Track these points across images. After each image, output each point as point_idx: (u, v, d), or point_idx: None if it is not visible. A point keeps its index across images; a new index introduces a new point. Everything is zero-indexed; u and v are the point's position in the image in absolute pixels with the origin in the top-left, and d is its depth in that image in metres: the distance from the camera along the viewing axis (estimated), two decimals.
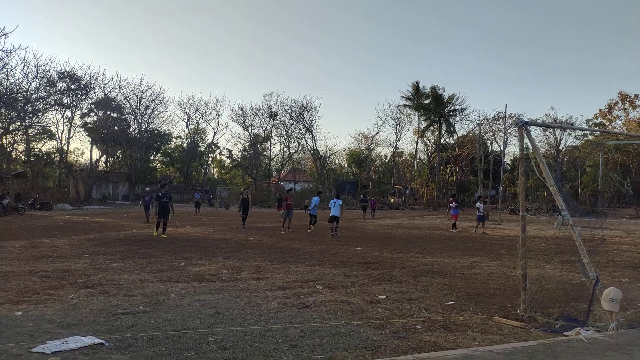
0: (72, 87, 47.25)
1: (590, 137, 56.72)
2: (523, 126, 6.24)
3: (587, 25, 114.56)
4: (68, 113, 48.53)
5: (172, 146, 61.40)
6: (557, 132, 59.26)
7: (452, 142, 58.79)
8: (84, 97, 49.32)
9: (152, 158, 59.51)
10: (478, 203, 21.68)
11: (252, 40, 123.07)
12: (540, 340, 4.65)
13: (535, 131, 54.79)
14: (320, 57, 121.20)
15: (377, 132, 61.33)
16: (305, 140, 57.26)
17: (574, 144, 60.94)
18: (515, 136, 41.96)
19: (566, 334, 5.15)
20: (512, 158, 59.85)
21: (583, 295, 7.19)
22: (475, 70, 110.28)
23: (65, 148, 48.84)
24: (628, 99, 57.46)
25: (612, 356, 4.07)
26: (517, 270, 9.09)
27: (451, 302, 6.77)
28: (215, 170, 72.41)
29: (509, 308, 6.46)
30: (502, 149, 45.19)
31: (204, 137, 61.44)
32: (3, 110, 41.00)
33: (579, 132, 57.86)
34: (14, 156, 45.10)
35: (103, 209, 38.05)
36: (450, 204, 22.45)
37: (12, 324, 5.23)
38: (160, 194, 16.30)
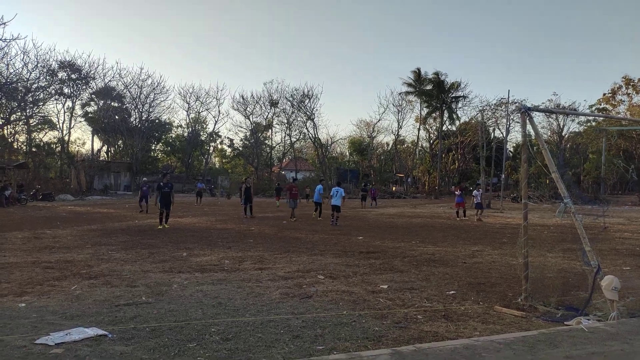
0: (73, 76, 47.14)
1: (594, 123, 56.43)
2: (525, 112, 6.19)
3: (591, 8, 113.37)
4: (69, 103, 48.55)
5: (173, 135, 61.47)
6: (560, 118, 59.00)
7: (454, 129, 58.64)
8: (84, 86, 49.23)
9: (153, 148, 59.59)
10: (475, 191, 22.31)
11: (252, 26, 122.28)
12: (541, 330, 4.66)
13: (538, 117, 54.66)
14: (321, 42, 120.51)
15: (379, 120, 61.76)
16: (306, 128, 57.27)
17: (577, 130, 60.70)
18: (518, 122, 41.72)
19: (567, 323, 5.17)
20: (514, 145, 59.68)
21: (584, 284, 7.20)
22: (477, 55, 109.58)
23: (66, 138, 48.91)
24: (632, 83, 57.04)
25: (612, 345, 4.08)
26: (518, 258, 9.11)
27: (452, 292, 6.79)
28: (216, 159, 72.51)
29: (510, 297, 6.48)
30: (504, 135, 45.02)
31: (204, 126, 61.49)
32: (4, 101, 40.97)
33: (582, 118, 57.55)
34: (15, 147, 45.17)
35: (105, 199, 38.19)
36: (455, 192, 23.09)
37: (16, 316, 5.28)
38: (161, 183, 16.03)
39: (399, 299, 6.29)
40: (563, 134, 60.66)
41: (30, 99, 42.99)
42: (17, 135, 46.10)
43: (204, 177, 54.86)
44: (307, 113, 56.10)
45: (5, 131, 43.67)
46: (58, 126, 48.56)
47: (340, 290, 6.73)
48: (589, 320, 5.18)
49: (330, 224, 16.87)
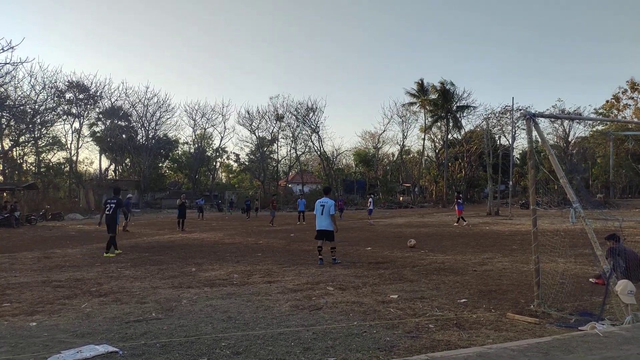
0: (80, 96, 47.74)
1: (600, 127, 56.15)
2: (531, 118, 6.20)
3: (593, 11, 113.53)
4: (76, 123, 49.03)
5: (180, 152, 61.86)
6: (566, 123, 58.80)
7: (459, 137, 58.57)
8: (92, 106, 49.78)
9: (160, 165, 59.93)
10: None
11: (257, 39, 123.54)
12: (555, 336, 4.60)
13: (544, 123, 54.43)
14: (325, 53, 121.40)
15: (384, 131, 61.40)
16: (311, 141, 57.46)
17: (583, 135, 60.44)
18: (524, 129, 41.63)
19: (581, 328, 5.10)
20: (520, 152, 59.47)
21: (597, 289, 7.12)
22: (480, 62, 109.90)
23: (74, 158, 49.30)
24: (637, 87, 56.81)
25: (628, 349, 4.01)
26: (529, 265, 9.02)
27: (464, 300, 6.72)
28: (223, 174, 72.78)
29: (522, 304, 6.40)
30: (510, 142, 44.89)
31: (210, 142, 61.87)
32: (12, 123, 41.52)
33: (589, 122, 57.33)
34: (24, 168, 45.61)
35: None
36: (458, 200, 24.15)
37: (27, 335, 5.29)
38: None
39: (409, 309, 6.24)
40: (569, 139, 60.40)
41: (39, 121, 43.53)
42: (26, 157, 46.60)
43: (210, 192, 55.13)
44: (312, 126, 56.39)
45: (15, 153, 44.17)
46: (66, 146, 49.03)
47: (350, 301, 6.69)
48: (603, 325, 5.11)
49: (318, 263, 10.39)
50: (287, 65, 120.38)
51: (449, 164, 57.09)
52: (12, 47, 25.50)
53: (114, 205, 12.91)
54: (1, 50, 18.21)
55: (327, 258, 10.72)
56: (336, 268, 9.86)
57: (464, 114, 57.40)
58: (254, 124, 57.23)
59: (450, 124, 57.04)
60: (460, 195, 25.39)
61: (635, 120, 54.32)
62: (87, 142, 52.11)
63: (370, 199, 27.73)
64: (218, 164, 64.31)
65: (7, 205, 27.71)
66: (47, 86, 43.33)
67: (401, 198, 55.12)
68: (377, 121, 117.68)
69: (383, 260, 11.00)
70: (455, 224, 22.71)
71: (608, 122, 52.87)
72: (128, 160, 56.40)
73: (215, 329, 5.39)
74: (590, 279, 8.00)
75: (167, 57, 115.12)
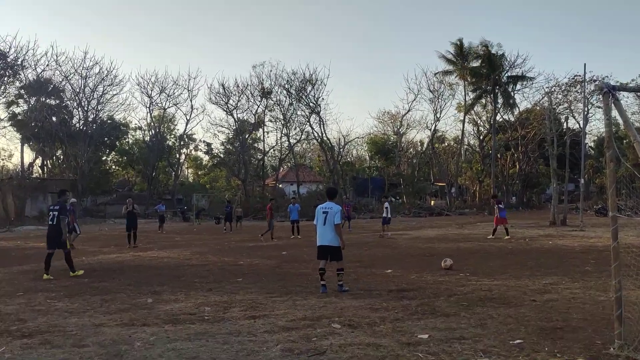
0: None
1: None
2: (609, 92, 6.19)
3: None
4: None
5: (131, 141, 61.99)
6: None
7: (512, 119, 58.61)
8: (10, 78, 49.78)
9: (104, 158, 60.07)
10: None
11: None
12: None
13: (628, 100, 54.32)
14: (326, 10, 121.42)
15: (409, 111, 61.39)
16: (309, 125, 57.46)
17: None
18: (600, 107, 41.62)
19: None
20: (595, 138, 59.52)
21: None
22: (540, 21, 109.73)
23: None
24: None
25: None
26: (608, 293, 9.02)
27: (519, 341, 6.74)
28: (189, 171, 73.01)
29: (599, 346, 6.41)
30: (581, 126, 44.86)
31: (172, 127, 61.93)
32: None
33: None
34: None
35: (41, 229, 38.35)
36: (499, 205, 24.13)
37: None
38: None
39: (444, 353, 6.25)
40: None
41: None
42: None
43: (173, 195, 55.20)
44: (311, 105, 56.42)
45: None
46: None
47: (364, 343, 6.70)
48: None
49: (321, 290, 10.44)
50: (275, 25, 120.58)
51: (498, 155, 57.14)
52: None
53: (56, 213, 13.28)
54: None
55: (331, 284, 10.74)
56: (344, 298, 9.88)
57: (518, 88, 57.38)
58: (231, 101, 57.43)
59: (500, 101, 57.05)
60: (500, 200, 26.08)
61: None
62: (4, 127, 52.26)
63: (385, 204, 27.98)
64: (183, 156, 64.55)
65: None
66: None
67: (432, 202, 55.31)
68: (398, 98, 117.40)
69: (408, 287, 11.03)
70: (490, 236, 23.14)
71: None
72: (60, 152, 56.51)
73: None
74: None
75: (112, 14, 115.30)
